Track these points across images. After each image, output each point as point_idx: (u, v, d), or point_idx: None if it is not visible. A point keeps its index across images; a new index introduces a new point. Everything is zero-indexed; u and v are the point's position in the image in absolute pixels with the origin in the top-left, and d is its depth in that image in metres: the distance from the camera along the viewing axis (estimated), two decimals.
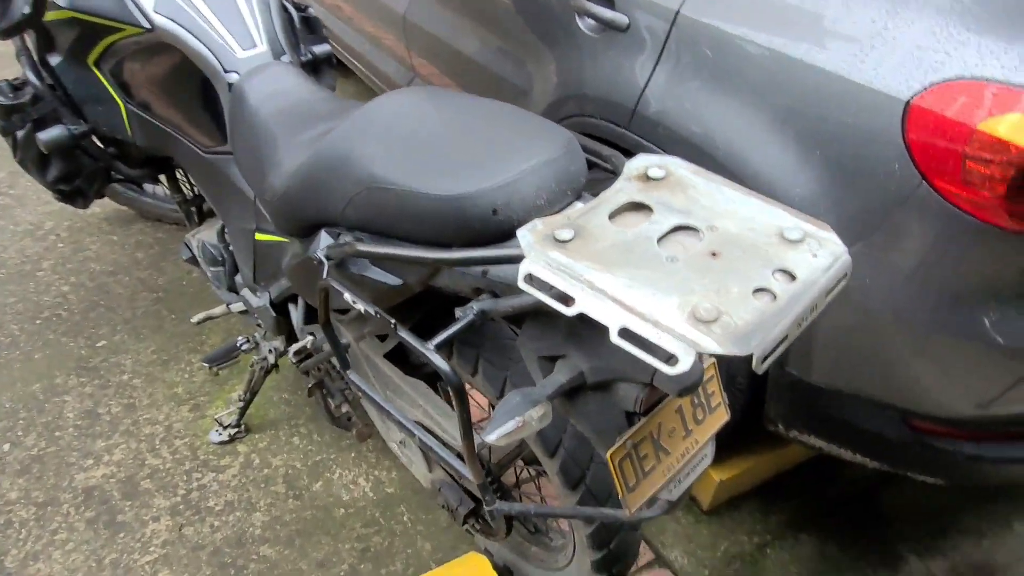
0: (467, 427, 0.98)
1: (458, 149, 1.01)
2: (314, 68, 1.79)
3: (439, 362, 0.93)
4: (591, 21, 1.61)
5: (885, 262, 1.24)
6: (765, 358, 0.72)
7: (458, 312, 0.98)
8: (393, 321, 0.99)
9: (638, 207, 0.91)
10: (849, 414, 1.40)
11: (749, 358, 0.71)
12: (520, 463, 1.64)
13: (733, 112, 1.37)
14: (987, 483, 1.45)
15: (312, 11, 1.83)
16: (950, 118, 1.11)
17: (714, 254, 0.82)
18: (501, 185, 0.95)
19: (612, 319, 0.75)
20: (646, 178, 0.94)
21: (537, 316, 1.02)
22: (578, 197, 1.00)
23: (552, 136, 1.02)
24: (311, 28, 1.84)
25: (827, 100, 1.25)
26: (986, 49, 1.11)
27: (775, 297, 0.77)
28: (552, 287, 0.80)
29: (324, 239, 1.14)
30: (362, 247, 1.03)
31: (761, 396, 1.54)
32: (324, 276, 1.09)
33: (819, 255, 0.82)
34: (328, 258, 1.11)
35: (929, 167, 1.14)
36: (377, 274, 1.11)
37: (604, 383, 0.98)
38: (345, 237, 1.12)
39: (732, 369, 1.56)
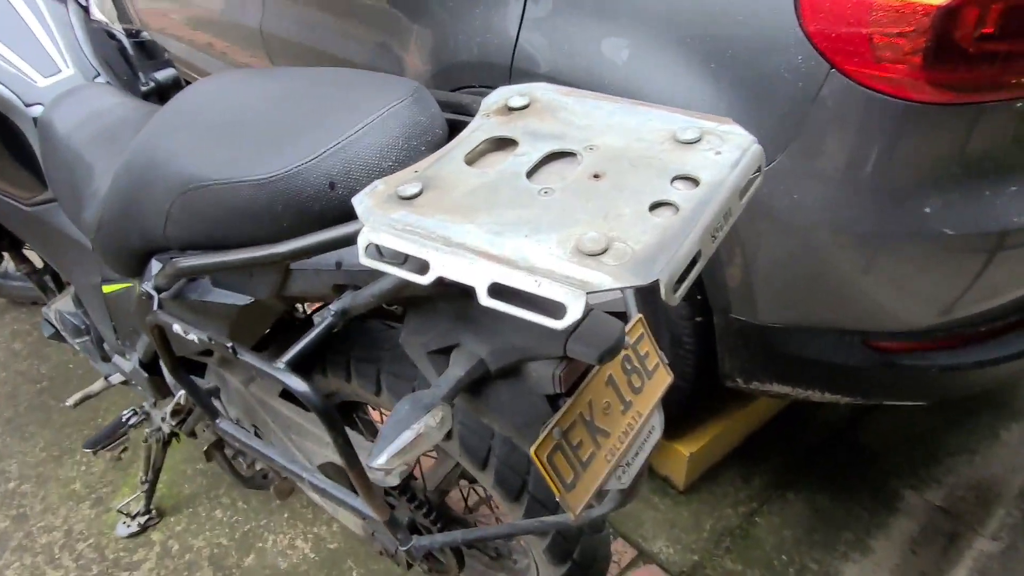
0: (350, 456, 0.79)
1: (281, 124, 0.82)
2: (160, 95, 1.58)
3: (290, 381, 0.73)
4: None
5: (811, 172, 1.10)
6: (677, 284, 0.55)
7: (316, 319, 0.79)
8: (230, 344, 0.79)
9: (501, 144, 0.74)
10: (807, 350, 1.25)
11: (656, 288, 0.55)
12: (466, 483, 1.45)
13: (619, 43, 1.22)
14: (970, 392, 1.33)
15: (146, 35, 1.63)
16: None
17: (597, 176, 0.65)
18: (333, 151, 0.76)
19: (477, 276, 0.57)
20: (507, 110, 0.77)
21: (416, 304, 0.84)
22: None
23: (393, 88, 0.84)
24: (150, 53, 1.63)
25: (712, 10, 1.11)
26: None
27: (677, 209, 0.60)
28: (402, 255, 0.62)
29: (153, 267, 0.94)
30: (183, 263, 0.83)
31: (712, 352, 1.39)
32: (154, 310, 0.88)
33: (723, 151, 0.66)
34: (157, 289, 0.91)
35: (835, 52, 1.00)
36: (220, 296, 0.92)
37: (511, 367, 0.80)
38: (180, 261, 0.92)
39: (675, 329, 1.40)
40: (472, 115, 0.92)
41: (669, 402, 1.38)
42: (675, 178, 0.64)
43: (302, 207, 0.77)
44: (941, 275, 1.15)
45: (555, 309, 0.56)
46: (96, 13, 1.58)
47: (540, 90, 0.79)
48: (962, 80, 0.96)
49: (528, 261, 0.57)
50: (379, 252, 0.65)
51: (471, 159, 0.71)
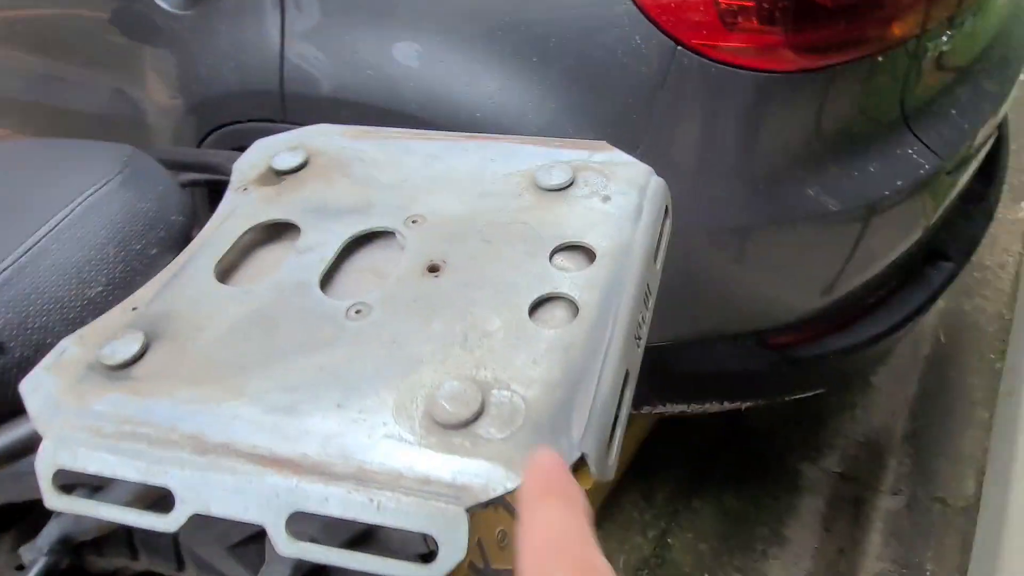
0: None
1: None
2: None
3: None
4: None
5: (673, 168, 0.92)
6: (608, 446, 0.34)
7: (25, 557, 0.49)
8: None
9: (271, 234, 0.48)
10: (701, 364, 1.10)
11: (581, 466, 0.32)
12: None
13: (418, 47, 0.98)
14: (868, 368, 1.25)
15: None
16: None
17: (433, 268, 0.41)
18: None
19: (265, 507, 0.32)
20: (274, 176, 0.50)
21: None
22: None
23: (92, 162, 0.55)
24: None
25: None
26: None
27: (575, 307, 0.38)
28: (122, 481, 0.35)
29: None
30: None
31: None
32: None
33: (612, 194, 0.44)
34: None
35: (678, 26, 0.83)
36: None
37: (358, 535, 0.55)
38: None
39: None
40: (217, 172, 0.65)
41: None
42: (555, 250, 0.41)
43: None
44: (824, 252, 1.03)
45: (411, 541, 0.31)
46: None
47: (318, 137, 0.53)
48: (824, 40, 0.82)
49: (351, 460, 0.32)
50: (63, 482, 0.37)
51: (226, 270, 0.45)
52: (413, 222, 0.44)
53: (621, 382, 0.35)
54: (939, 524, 1.49)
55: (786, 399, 1.19)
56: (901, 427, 1.75)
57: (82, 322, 0.47)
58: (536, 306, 0.38)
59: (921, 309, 1.15)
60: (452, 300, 0.39)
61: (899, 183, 0.97)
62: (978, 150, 1.14)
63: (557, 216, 0.43)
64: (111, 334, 0.40)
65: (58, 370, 0.38)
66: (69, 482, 0.37)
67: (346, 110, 1.03)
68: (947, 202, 1.13)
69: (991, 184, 1.37)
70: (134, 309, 0.41)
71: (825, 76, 0.86)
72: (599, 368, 0.34)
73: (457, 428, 0.32)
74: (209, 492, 0.32)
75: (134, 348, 0.38)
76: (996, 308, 2.04)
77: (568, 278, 0.39)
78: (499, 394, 0.34)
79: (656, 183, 0.45)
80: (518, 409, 0.33)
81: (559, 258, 0.41)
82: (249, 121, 1.15)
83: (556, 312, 0.39)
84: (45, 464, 0.35)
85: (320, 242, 0.44)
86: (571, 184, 0.45)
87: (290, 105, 1.06)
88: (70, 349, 0.39)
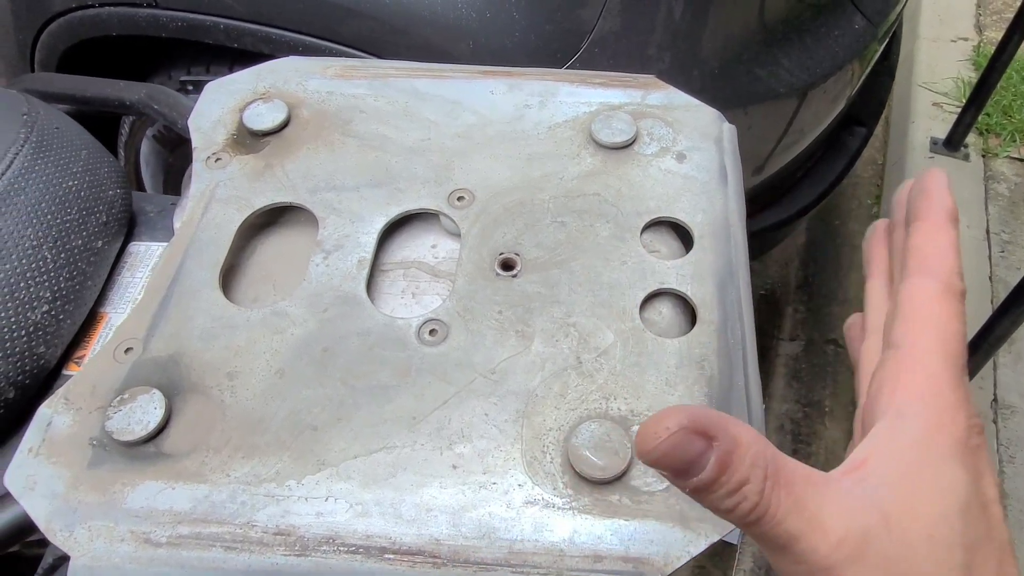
0: None
1: None
2: None
3: None
4: None
5: (627, 58, 0.85)
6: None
7: None
8: None
9: (268, 217, 0.38)
10: None
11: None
12: None
13: None
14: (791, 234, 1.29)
15: None
16: None
17: (507, 266, 0.34)
18: None
19: None
20: (250, 137, 0.40)
21: None
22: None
23: None
24: None
25: None
26: None
27: (686, 305, 0.33)
28: None
29: None
30: None
31: None
32: None
33: (686, 150, 0.38)
34: None
35: None
36: None
37: None
38: None
39: None
40: (143, 112, 0.52)
41: None
42: (645, 227, 0.35)
43: None
44: (763, 133, 1.02)
45: None
46: None
47: (292, 78, 0.42)
48: None
49: (496, 540, 0.27)
50: None
51: (227, 278, 0.35)
52: (459, 199, 0.36)
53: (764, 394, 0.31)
54: (833, 364, 1.65)
55: None
56: (794, 277, 1.88)
57: (36, 359, 0.36)
58: (649, 299, 0.33)
59: (842, 175, 1.19)
60: (544, 308, 0.33)
61: (841, 56, 0.95)
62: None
63: (631, 183, 0.37)
64: (108, 391, 0.30)
65: (52, 454, 0.29)
66: None
67: None
68: (869, 68, 1.14)
69: (893, 42, 1.40)
70: (128, 351, 0.32)
71: None
72: (743, 383, 0.30)
73: (610, 483, 0.28)
74: None
75: (157, 414, 0.29)
76: (870, 154, 2.17)
77: (671, 268, 0.34)
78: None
79: (729, 131, 0.39)
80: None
81: (647, 238, 0.35)
82: (107, 4, 0.93)
83: (663, 310, 0.34)
84: None
85: (347, 235, 0.35)
86: (635, 139, 0.38)
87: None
88: (57, 420, 0.30)
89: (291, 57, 0.43)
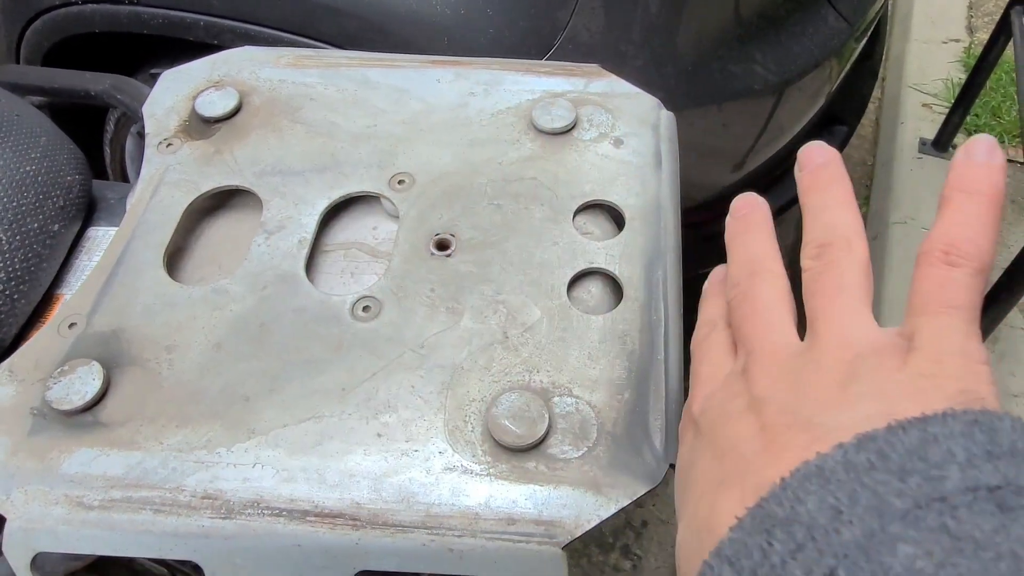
0: None
1: None
2: None
3: None
4: None
5: (600, 54, 0.86)
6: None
7: None
8: None
9: (216, 200, 0.39)
10: None
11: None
12: None
13: None
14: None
15: None
16: None
17: (442, 246, 0.35)
18: None
19: (323, 574, 0.28)
20: (202, 124, 0.41)
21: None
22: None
23: None
24: None
25: None
26: None
27: (614, 284, 0.34)
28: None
29: None
30: None
31: None
32: None
33: (623, 136, 0.39)
34: None
35: None
36: None
37: None
38: None
39: None
40: (108, 103, 0.53)
41: None
42: (579, 209, 0.36)
43: None
44: (740, 130, 1.03)
45: None
46: None
47: (245, 66, 0.43)
48: None
49: (414, 504, 0.28)
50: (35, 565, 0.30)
51: (172, 258, 0.36)
52: (400, 183, 0.37)
53: (685, 370, 0.32)
54: None
55: (700, 273, 1.23)
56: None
57: None
58: (570, 285, 0.34)
59: None
60: (475, 286, 0.34)
61: (817, 53, 0.96)
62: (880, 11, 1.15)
63: (568, 167, 0.38)
64: (51, 364, 0.32)
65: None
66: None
67: None
68: (848, 67, 1.14)
69: (876, 41, 1.41)
70: (71, 326, 0.33)
71: None
72: (663, 358, 0.31)
73: (527, 450, 0.29)
74: (249, 563, 0.27)
75: (95, 385, 0.31)
76: (859, 155, 2.17)
77: (601, 248, 0.35)
78: (562, 402, 0.30)
79: (666, 118, 0.40)
80: (588, 420, 0.30)
81: (580, 220, 0.36)
82: (85, 2, 0.94)
83: (592, 289, 0.35)
84: (17, 552, 0.28)
85: (290, 216, 0.36)
86: (574, 125, 0.39)
87: None
88: (1, 391, 0.31)
89: (246, 47, 0.44)
